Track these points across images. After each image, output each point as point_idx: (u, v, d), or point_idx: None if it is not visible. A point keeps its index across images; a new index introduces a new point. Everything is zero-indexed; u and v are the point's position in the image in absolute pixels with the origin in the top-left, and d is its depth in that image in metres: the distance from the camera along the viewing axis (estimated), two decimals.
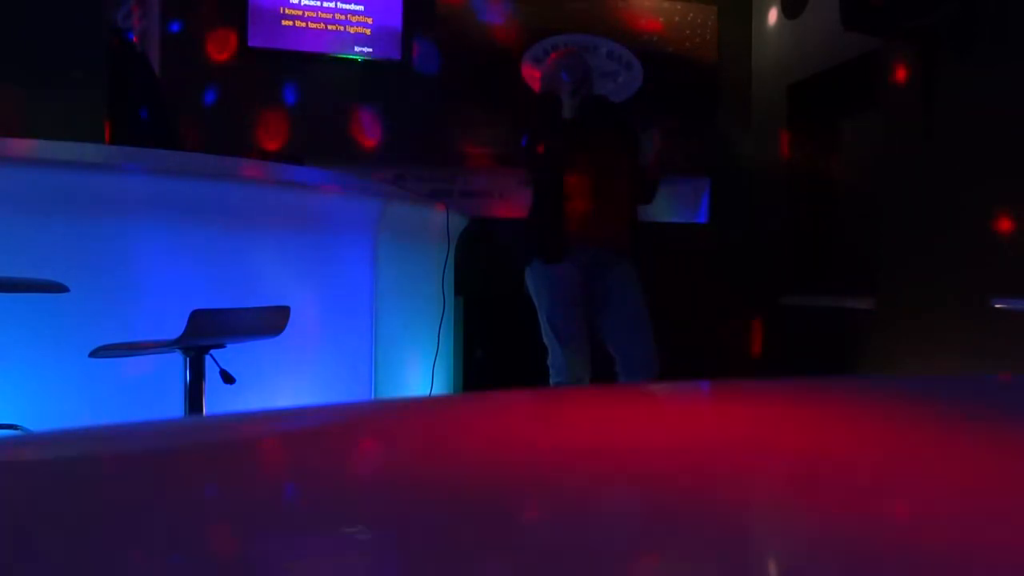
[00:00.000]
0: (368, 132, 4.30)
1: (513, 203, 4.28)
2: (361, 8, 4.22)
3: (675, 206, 4.78)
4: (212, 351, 1.77)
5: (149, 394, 2.08)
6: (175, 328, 1.64)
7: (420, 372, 3.13)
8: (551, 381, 2.84)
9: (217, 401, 1.79)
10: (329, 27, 4.17)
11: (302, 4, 4.13)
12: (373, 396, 2.75)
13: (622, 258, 2.86)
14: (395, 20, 4.27)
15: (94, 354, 1.67)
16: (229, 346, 1.80)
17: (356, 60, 4.24)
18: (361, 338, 2.73)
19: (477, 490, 0.42)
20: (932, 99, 3.54)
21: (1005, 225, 3.19)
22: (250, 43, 4.06)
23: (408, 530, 0.36)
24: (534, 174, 2.94)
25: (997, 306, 2.94)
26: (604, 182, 2.83)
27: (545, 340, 2.86)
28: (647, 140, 2.89)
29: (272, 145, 4.09)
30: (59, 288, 1.71)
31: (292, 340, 1.97)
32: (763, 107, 4.88)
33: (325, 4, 4.17)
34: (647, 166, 2.89)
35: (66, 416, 2.02)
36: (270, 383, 2.30)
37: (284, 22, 4.10)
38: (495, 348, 4.10)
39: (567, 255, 2.78)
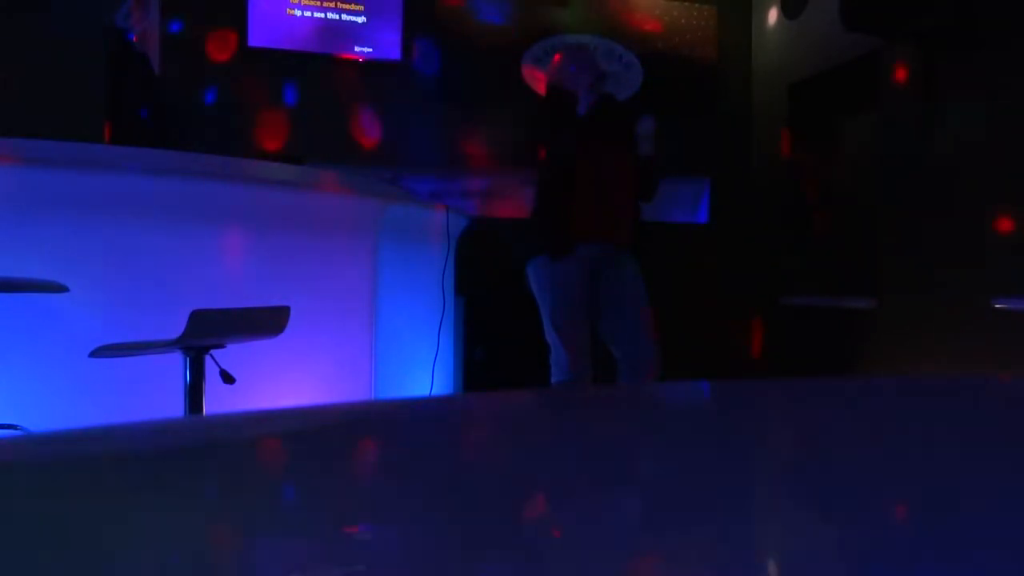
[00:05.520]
0: (368, 132, 4.30)
1: (513, 203, 4.27)
2: (361, 8, 4.22)
3: (675, 206, 4.77)
4: (212, 351, 1.77)
5: (149, 394, 2.08)
6: (175, 328, 1.64)
7: (420, 372, 3.12)
8: (552, 379, 2.82)
9: (217, 401, 1.79)
10: (329, 27, 4.18)
11: (302, 4, 4.13)
12: (373, 396, 2.74)
13: (627, 257, 2.85)
14: (395, 20, 4.27)
15: (94, 354, 1.67)
16: (229, 346, 1.80)
17: (356, 60, 4.24)
18: (361, 338, 2.72)
19: (477, 491, 0.42)
20: (932, 99, 3.54)
21: (1005, 225, 3.18)
22: (250, 43, 4.06)
23: (409, 530, 0.36)
24: (542, 170, 2.89)
25: (997, 306, 2.94)
26: (612, 180, 2.81)
27: (547, 338, 2.84)
28: (643, 126, 2.84)
29: (272, 145, 4.09)
30: (59, 288, 1.71)
31: (292, 340, 1.97)
32: (763, 107, 4.88)
33: (325, 4, 4.17)
34: (647, 156, 2.85)
35: (66, 416, 2.02)
36: (270, 383, 2.30)
37: (284, 22, 4.11)
38: (495, 348, 4.09)
39: (572, 252, 2.76)
